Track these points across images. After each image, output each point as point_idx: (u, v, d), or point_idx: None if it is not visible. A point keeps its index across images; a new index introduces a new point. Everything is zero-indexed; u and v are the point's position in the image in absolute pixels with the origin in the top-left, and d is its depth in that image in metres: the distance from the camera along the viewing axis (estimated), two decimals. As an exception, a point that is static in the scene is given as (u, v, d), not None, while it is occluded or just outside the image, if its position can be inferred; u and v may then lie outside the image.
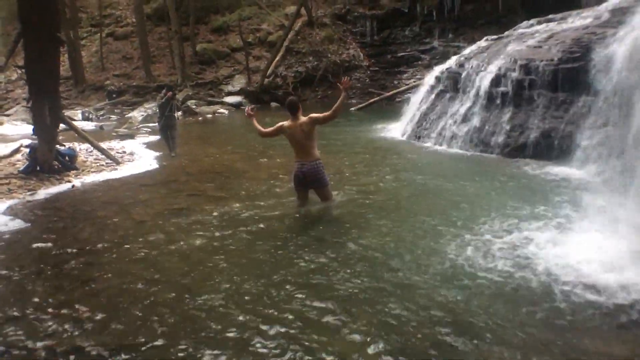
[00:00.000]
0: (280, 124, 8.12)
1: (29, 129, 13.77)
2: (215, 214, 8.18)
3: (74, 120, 19.02)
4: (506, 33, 15.88)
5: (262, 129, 8.24)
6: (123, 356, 4.28)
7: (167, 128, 14.00)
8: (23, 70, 13.05)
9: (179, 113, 16.05)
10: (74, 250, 6.83)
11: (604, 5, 13.13)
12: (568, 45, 11.89)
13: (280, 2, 36.31)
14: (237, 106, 28.87)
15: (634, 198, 6.55)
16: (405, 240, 6.74)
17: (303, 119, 7.97)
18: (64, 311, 5.06)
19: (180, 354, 4.27)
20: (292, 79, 31.02)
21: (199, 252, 6.58)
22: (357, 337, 4.42)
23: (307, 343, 4.35)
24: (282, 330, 4.56)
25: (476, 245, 6.43)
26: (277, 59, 31.12)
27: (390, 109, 23.39)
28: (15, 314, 5.06)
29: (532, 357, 4.12)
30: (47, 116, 11.20)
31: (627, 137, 7.81)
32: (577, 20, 13.49)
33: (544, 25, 14.83)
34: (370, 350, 4.22)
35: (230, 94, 30.31)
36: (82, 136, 13.23)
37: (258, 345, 4.35)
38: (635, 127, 7.44)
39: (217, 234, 7.24)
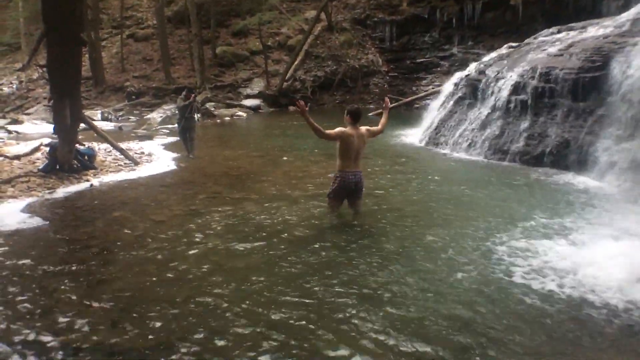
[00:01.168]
0: (342, 129, 7.68)
1: (49, 128, 13.92)
2: (231, 215, 8.20)
3: (93, 120, 19.11)
4: (526, 41, 15.83)
5: (321, 128, 7.56)
6: (137, 355, 4.31)
7: (187, 130, 14.07)
8: (45, 69, 13.18)
9: (198, 115, 16.10)
10: (92, 249, 6.87)
11: (625, 14, 13.05)
12: (589, 54, 11.81)
13: (300, 6, 36.40)
14: (255, 109, 28.95)
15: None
16: (423, 248, 6.71)
17: (362, 128, 7.79)
18: (80, 309, 5.09)
19: (194, 355, 4.28)
20: (311, 83, 31.07)
21: (215, 253, 6.60)
22: (375, 336, 4.42)
23: (321, 343, 4.35)
24: (295, 332, 4.57)
25: (495, 254, 6.40)
26: (296, 63, 31.18)
27: (409, 115, 23.38)
28: (33, 310, 5.10)
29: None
30: (67, 116, 11.28)
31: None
32: (598, 30, 13.40)
33: (564, 33, 14.76)
34: (382, 350, 4.23)
35: (248, 97, 30.39)
36: (101, 136, 13.31)
37: (273, 346, 4.35)
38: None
39: (233, 235, 7.25)
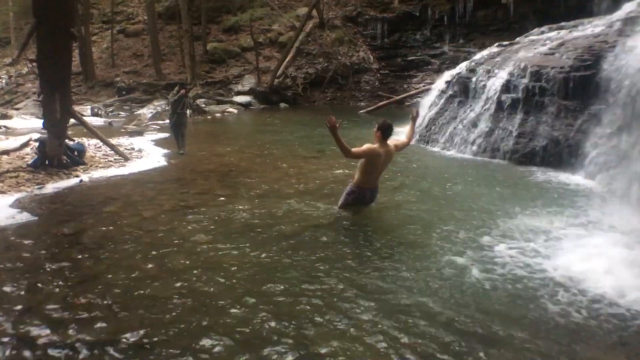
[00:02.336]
0: (372, 146, 7.53)
1: (38, 122, 13.86)
2: (222, 212, 8.18)
3: (83, 116, 19.02)
4: (517, 39, 15.86)
5: (348, 147, 7.25)
6: (128, 351, 4.29)
7: (179, 126, 14.02)
8: (34, 64, 13.13)
9: (190, 111, 16.05)
10: (81, 245, 6.85)
11: (616, 14, 13.09)
12: (579, 53, 11.86)
13: (291, 3, 36.36)
14: (246, 106, 28.90)
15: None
16: (412, 245, 6.72)
17: (390, 145, 7.73)
18: (70, 305, 5.07)
19: (184, 351, 4.27)
20: (302, 80, 31.05)
21: (205, 250, 6.58)
22: (367, 334, 4.43)
23: (309, 341, 4.35)
24: (287, 330, 4.56)
25: (486, 252, 6.42)
26: (287, 59, 31.14)
27: (399, 112, 23.37)
28: (22, 307, 5.07)
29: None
30: (57, 111, 11.21)
31: (635, 146, 7.80)
32: (589, 28, 13.45)
33: (555, 32, 14.80)
34: (373, 345, 4.23)
35: (239, 93, 30.32)
36: (91, 131, 13.25)
37: (264, 342, 4.35)
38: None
39: (223, 232, 7.24)
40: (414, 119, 8.50)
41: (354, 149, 7.36)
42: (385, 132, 7.59)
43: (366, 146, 7.49)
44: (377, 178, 7.84)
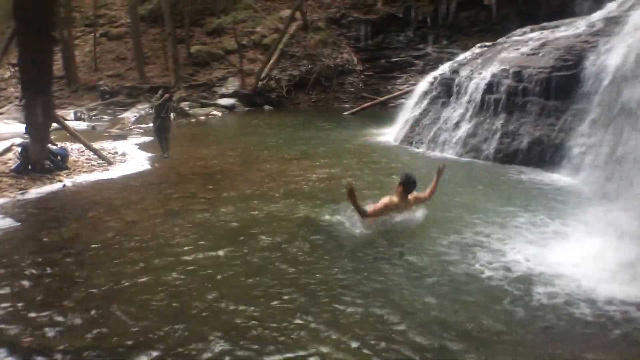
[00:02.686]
0: (390, 201, 7.22)
1: (21, 127, 13.73)
2: (206, 215, 8.17)
3: (66, 120, 18.92)
4: (500, 40, 15.97)
5: (366, 210, 7.03)
6: (111, 356, 4.28)
7: (162, 129, 13.95)
8: (16, 68, 13.01)
9: (174, 115, 15.97)
10: (65, 250, 6.82)
11: (596, 14, 13.21)
12: (561, 54, 11.96)
13: (275, 5, 36.28)
14: (230, 108, 28.78)
15: (624, 206, 6.61)
16: (396, 245, 6.75)
17: (410, 199, 7.42)
18: (53, 310, 5.05)
19: (167, 356, 4.26)
20: (286, 83, 30.98)
21: (189, 254, 6.57)
22: (345, 339, 4.44)
23: (292, 344, 4.36)
24: (272, 334, 4.57)
25: (469, 252, 6.46)
26: (271, 62, 31.06)
27: (384, 114, 23.44)
28: (6, 312, 5.04)
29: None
30: (39, 115, 11.14)
31: (617, 146, 7.87)
32: (570, 29, 13.57)
33: (537, 33, 14.91)
34: (355, 349, 4.25)
35: (223, 96, 30.20)
36: (74, 136, 13.18)
37: (248, 345, 4.35)
38: (626, 136, 7.50)
39: (207, 236, 7.23)
40: (440, 173, 7.91)
41: (370, 209, 7.08)
42: (409, 188, 7.30)
43: (383, 203, 7.17)
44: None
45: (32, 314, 4.98)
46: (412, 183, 7.31)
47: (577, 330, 4.64)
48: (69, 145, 14.10)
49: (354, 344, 4.37)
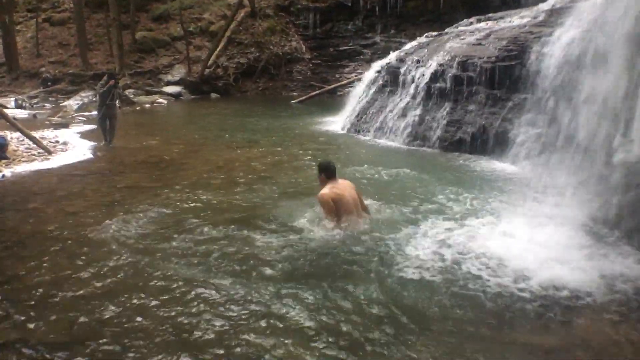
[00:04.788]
0: (324, 194, 6.74)
1: (-43, 116, 13.27)
2: (150, 205, 8.02)
3: (6, 108, 18.37)
4: (446, 30, 16.13)
5: (332, 224, 6.65)
6: (50, 351, 4.18)
7: (107, 117, 13.61)
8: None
9: (119, 102, 15.60)
10: (2, 243, 6.61)
11: (541, 5, 13.45)
12: (505, 44, 12.13)
13: (223, -9, 35.92)
14: (176, 96, 28.39)
15: (563, 193, 6.76)
16: (348, 237, 6.74)
17: (344, 182, 7.02)
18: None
19: (107, 351, 4.18)
20: (234, 70, 30.72)
21: (132, 244, 6.45)
22: (298, 331, 4.42)
23: (247, 338, 4.33)
24: (219, 326, 4.52)
25: (413, 237, 6.51)
26: (218, 49, 30.74)
27: (331, 102, 23.48)
28: None
29: (466, 347, 4.21)
30: (-25, 102, 10.79)
31: (557, 134, 8.03)
32: (516, 20, 13.79)
33: (483, 23, 15.13)
34: (311, 343, 4.23)
35: (169, 83, 29.77)
36: (12, 124, 12.79)
37: (191, 341, 4.30)
38: (565, 125, 7.66)
39: (151, 226, 7.11)
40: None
41: (330, 218, 6.67)
42: (329, 173, 6.92)
43: (326, 206, 6.71)
44: (360, 215, 6.98)
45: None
46: (327, 165, 6.97)
47: (517, 314, 4.72)
48: (8, 134, 13.68)
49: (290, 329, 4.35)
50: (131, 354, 4.12)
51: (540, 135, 10.16)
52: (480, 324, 4.57)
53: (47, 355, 4.13)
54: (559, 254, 5.78)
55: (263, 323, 4.52)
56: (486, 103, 12.01)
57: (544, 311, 4.76)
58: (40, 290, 5.23)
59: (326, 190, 6.76)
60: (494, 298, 4.98)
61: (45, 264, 5.90)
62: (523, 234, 6.42)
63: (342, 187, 6.88)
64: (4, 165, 11.13)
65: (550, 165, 8.41)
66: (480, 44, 12.99)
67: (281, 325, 4.49)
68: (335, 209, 6.66)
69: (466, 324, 4.57)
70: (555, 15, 12.05)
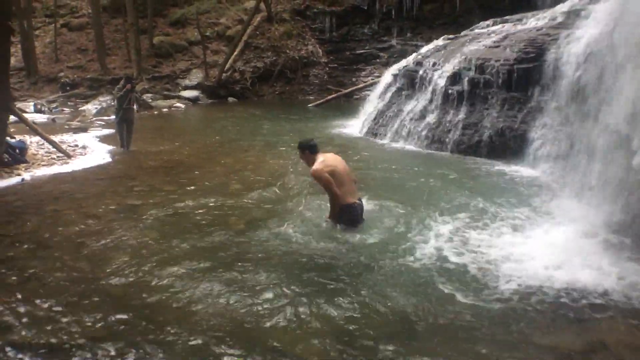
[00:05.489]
0: (316, 169, 6.76)
1: (-23, 120, 13.42)
2: (167, 209, 8.08)
3: (26, 112, 18.55)
4: (463, 33, 16.10)
5: (334, 197, 6.73)
6: (63, 354, 4.21)
7: (125, 121, 13.66)
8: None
9: (137, 106, 15.68)
10: (23, 245, 6.67)
11: (558, 7, 13.37)
12: (523, 46, 12.07)
13: (239, -4, 36.07)
14: (194, 100, 28.54)
15: (582, 197, 6.71)
16: (368, 241, 6.72)
17: (330, 153, 7.15)
18: (9, 306, 4.94)
19: (126, 353, 4.21)
20: (250, 74, 30.83)
21: (149, 247, 6.49)
22: (302, 332, 4.43)
23: (256, 342, 4.34)
24: (233, 329, 4.54)
25: (431, 241, 6.49)
26: (235, 53, 30.86)
27: (348, 106, 23.49)
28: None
29: (481, 349, 4.20)
30: (-4, 107, 10.92)
31: (576, 137, 7.98)
32: (532, 22, 13.72)
33: (499, 26, 15.06)
34: (313, 343, 4.24)
35: (187, 88, 29.93)
36: (32, 128, 12.92)
37: (209, 345, 4.32)
38: (584, 127, 7.59)
39: (168, 229, 7.15)
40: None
41: (332, 188, 6.68)
42: (311, 147, 6.96)
43: (316, 174, 6.73)
44: (353, 186, 7.03)
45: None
46: (311, 143, 6.99)
47: (532, 316, 4.69)
48: (27, 138, 13.82)
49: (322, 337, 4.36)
50: (145, 355, 4.15)
51: (558, 138, 10.10)
52: (496, 325, 4.55)
53: (63, 357, 4.18)
54: (578, 257, 5.74)
55: (286, 320, 4.55)
56: (504, 106, 11.96)
57: (562, 314, 4.73)
58: (59, 291, 5.27)
59: (318, 165, 6.76)
60: (510, 300, 4.96)
61: (64, 266, 5.95)
62: (542, 237, 6.39)
63: (331, 159, 6.93)
64: (23, 168, 11.25)
65: (569, 168, 8.37)
66: (497, 47, 12.95)
67: (303, 324, 4.50)
68: (335, 184, 6.68)
69: (481, 325, 4.55)
70: (573, 17, 11.97)
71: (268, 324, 4.57)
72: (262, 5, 32.19)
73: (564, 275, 5.35)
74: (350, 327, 4.52)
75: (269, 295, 5.11)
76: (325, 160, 6.86)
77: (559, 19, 12.53)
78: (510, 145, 11.43)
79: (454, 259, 5.94)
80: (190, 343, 4.29)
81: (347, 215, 6.88)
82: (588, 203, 6.86)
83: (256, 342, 4.31)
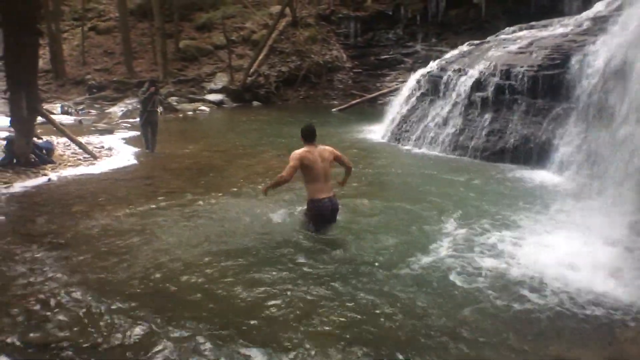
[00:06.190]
0: (297, 152, 6.88)
1: (6, 121, 13.63)
2: (191, 211, 8.15)
3: (53, 114, 18.78)
4: (488, 39, 16.01)
5: (282, 176, 6.81)
6: (89, 354, 4.27)
7: (149, 124, 13.79)
8: (2, 61, 12.84)
9: (161, 109, 15.79)
10: (48, 245, 6.77)
11: (585, 13, 13.27)
12: (548, 52, 12.00)
13: (264, 1, 36.20)
14: (218, 104, 28.69)
15: (606, 205, 6.65)
16: (387, 243, 6.73)
17: (325, 147, 7.12)
18: (33, 306, 5.02)
19: (148, 349, 4.25)
20: (275, 79, 30.91)
21: (173, 249, 6.55)
22: (329, 332, 4.45)
23: (275, 344, 4.36)
24: (257, 329, 4.57)
25: (456, 248, 6.47)
26: (260, 57, 30.98)
27: (372, 111, 23.46)
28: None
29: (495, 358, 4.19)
30: (24, 108, 11.07)
31: (602, 144, 7.90)
32: (559, 28, 13.62)
33: (525, 31, 14.97)
34: (341, 347, 4.25)
35: (212, 91, 30.08)
36: (59, 129, 13.09)
37: (236, 337, 4.35)
38: (610, 134, 7.52)
39: (192, 231, 7.21)
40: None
41: (285, 170, 6.80)
42: (307, 136, 7.02)
43: (293, 161, 6.81)
44: (327, 183, 7.04)
45: (13, 310, 4.95)
46: (306, 130, 7.04)
47: (556, 327, 4.66)
48: (54, 139, 14.01)
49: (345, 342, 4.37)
50: (168, 355, 4.19)
51: (584, 145, 10.01)
52: (513, 333, 4.53)
53: (85, 356, 4.24)
54: (600, 266, 5.68)
55: (301, 317, 4.57)
56: (529, 112, 11.89)
57: (585, 326, 4.69)
58: (83, 291, 5.35)
59: (300, 150, 6.91)
60: (531, 308, 4.93)
61: (88, 266, 6.03)
62: (567, 246, 6.34)
63: (316, 153, 6.94)
64: (50, 169, 11.40)
65: (594, 175, 8.29)
66: (522, 53, 12.88)
67: (320, 325, 4.52)
68: (303, 172, 6.89)
69: (503, 335, 4.53)
70: (599, 23, 11.88)
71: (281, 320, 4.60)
72: (288, 10, 32.30)
73: (588, 285, 5.30)
74: (370, 329, 4.53)
75: (299, 303, 5.13)
76: (310, 151, 6.93)
77: (586, 25, 12.43)
78: (534, 151, 11.35)
79: (472, 267, 5.92)
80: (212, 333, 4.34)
81: (312, 211, 7.05)
82: (613, 210, 6.80)
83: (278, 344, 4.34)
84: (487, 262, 5.99)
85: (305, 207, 7.25)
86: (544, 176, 10.47)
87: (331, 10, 33.58)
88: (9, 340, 4.41)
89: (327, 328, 4.57)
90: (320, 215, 7.07)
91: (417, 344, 4.35)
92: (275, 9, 33.46)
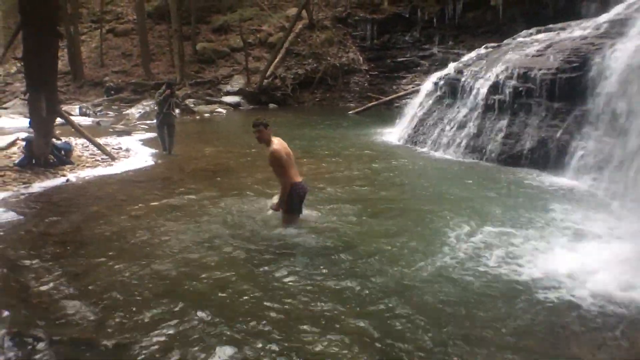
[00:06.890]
0: (282, 148, 6.95)
1: (25, 122, 13.76)
2: (208, 212, 8.18)
3: (71, 115, 18.93)
4: (505, 41, 15.92)
5: (284, 188, 6.97)
6: (105, 351, 4.30)
7: (165, 125, 13.89)
8: (22, 63, 12.96)
9: (178, 111, 15.86)
10: (67, 244, 6.84)
11: (603, 16, 13.16)
12: (566, 55, 11.90)
13: (281, 3, 36.29)
14: (235, 106, 28.83)
15: (626, 209, 6.60)
16: (404, 246, 6.73)
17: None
18: (52, 305, 5.06)
19: (165, 351, 4.28)
20: (291, 81, 30.99)
21: (190, 249, 6.59)
22: (348, 335, 4.45)
23: (292, 343, 4.37)
24: (270, 330, 4.58)
25: (473, 251, 6.46)
26: (276, 60, 31.07)
27: (388, 113, 23.43)
28: (7, 303, 5.05)
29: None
30: (43, 109, 11.15)
31: (620, 148, 7.84)
32: (576, 31, 13.51)
33: (543, 34, 14.87)
34: (358, 349, 4.25)
35: (228, 93, 30.23)
36: (78, 131, 13.20)
37: (253, 342, 4.36)
38: (628, 138, 7.47)
39: (209, 233, 7.24)
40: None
41: (286, 172, 6.92)
42: (265, 125, 6.99)
43: (277, 155, 6.84)
44: (297, 170, 7.29)
45: (34, 306, 5.00)
46: (262, 121, 7.03)
47: (574, 330, 4.64)
48: (73, 140, 14.13)
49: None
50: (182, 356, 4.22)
51: (602, 149, 9.92)
52: (535, 338, 4.51)
53: (95, 355, 4.28)
54: (619, 272, 5.64)
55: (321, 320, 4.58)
56: (546, 115, 11.81)
57: (602, 328, 4.66)
58: (100, 290, 5.40)
59: (278, 146, 6.90)
60: (552, 312, 4.91)
61: (106, 266, 6.08)
62: (585, 250, 6.30)
63: (282, 141, 7.08)
64: (68, 169, 11.50)
65: (611, 179, 8.23)
66: (540, 55, 12.79)
67: (334, 323, 4.53)
68: (284, 160, 6.91)
69: (522, 337, 4.51)
70: (618, 26, 11.76)
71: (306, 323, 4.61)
72: (304, 13, 32.36)
73: (607, 288, 5.26)
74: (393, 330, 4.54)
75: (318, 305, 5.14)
76: (280, 142, 7.03)
77: (604, 28, 12.33)
78: (552, 155, 11.26)
79: (493, 270, 5.90)
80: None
81: (297, 192, 7.09)
82: (631, 215, 6.75)
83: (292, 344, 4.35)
84: (504, 267, 5.96)
85: (281, 201, 7.18)
86: (561, 180, 10.38)
87: (347, 12, 33.60)
88: (28, 334, 4.45)
89: (345, 328, 4.58)
90: (301, 197, 7.20)
91: (430, 348, 4.34)
92: (292, 11, 33.56)
